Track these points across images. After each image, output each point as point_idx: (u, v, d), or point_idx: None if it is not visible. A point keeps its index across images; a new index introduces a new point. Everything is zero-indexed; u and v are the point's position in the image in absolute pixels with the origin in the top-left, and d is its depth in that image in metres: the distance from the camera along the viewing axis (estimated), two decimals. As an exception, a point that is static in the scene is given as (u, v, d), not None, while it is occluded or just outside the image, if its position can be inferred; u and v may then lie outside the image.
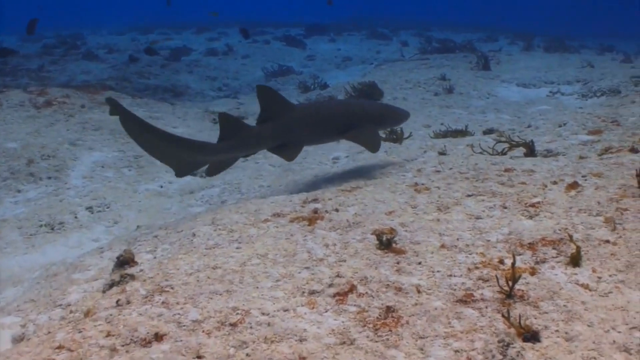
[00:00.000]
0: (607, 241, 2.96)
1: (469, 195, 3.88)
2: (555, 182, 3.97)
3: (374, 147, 4.88)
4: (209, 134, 7.69)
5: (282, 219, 3.74)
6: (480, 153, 5.33)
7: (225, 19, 27.47)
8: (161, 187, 6.27)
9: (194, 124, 8.64)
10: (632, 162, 4.37)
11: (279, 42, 22.25)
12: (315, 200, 4.07)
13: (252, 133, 4.71)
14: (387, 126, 5.74)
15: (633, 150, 4.83)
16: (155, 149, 4.49)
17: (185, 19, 32.70)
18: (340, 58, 18.81)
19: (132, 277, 2.94)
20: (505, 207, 3.59)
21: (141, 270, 3.05)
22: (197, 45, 21.76)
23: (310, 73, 15.61)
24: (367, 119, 4.99)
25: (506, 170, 4.40)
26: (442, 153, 5.61)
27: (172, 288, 2.74)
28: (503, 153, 5.30)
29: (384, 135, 6.44)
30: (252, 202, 4.30)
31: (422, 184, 4.23)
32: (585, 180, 3.98)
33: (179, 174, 4.72)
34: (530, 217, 3.41)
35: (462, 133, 6.78)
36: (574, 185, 3.83)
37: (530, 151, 5.18)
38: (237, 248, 3.26)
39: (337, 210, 3.80)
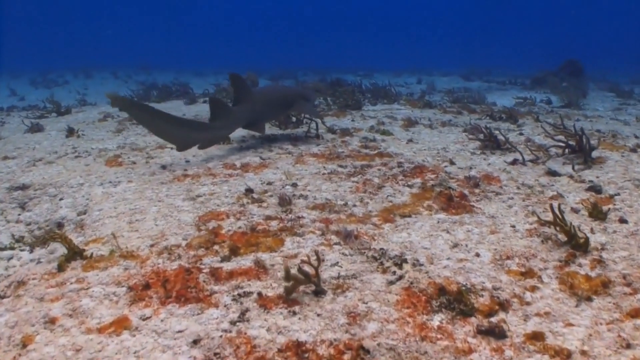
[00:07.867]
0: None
1: None
2: None
3: (317, 115, 6.61)
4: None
5: None
6: None
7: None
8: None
9: None
10: None
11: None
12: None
13: (232, 114, 5.56)
14: (312, 102, 6.91)
15: None
16: (160, 130, 5.05)
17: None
18: None
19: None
20: None
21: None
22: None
23: None
24: (302, 98, 6.49)
25: None
26: None
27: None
28: None
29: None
30: None
31: None
32: None
33: (180, 149, 5.26)
34: None
35: None
36: None
37: None
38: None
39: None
